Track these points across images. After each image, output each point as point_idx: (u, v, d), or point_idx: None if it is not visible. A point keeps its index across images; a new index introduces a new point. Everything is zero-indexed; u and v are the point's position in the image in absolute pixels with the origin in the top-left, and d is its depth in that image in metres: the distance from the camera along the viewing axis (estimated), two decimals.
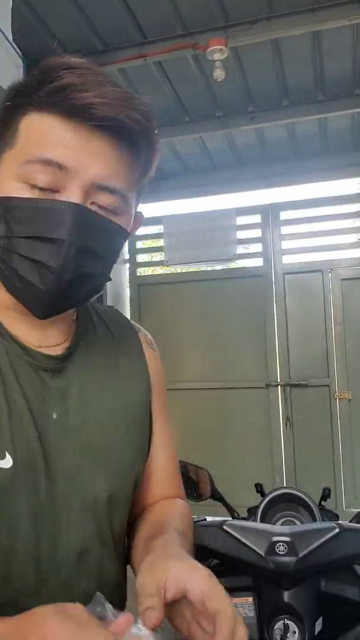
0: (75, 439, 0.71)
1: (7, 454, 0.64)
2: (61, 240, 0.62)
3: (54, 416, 0.69)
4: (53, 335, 0.74)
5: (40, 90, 0.64)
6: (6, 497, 0.64)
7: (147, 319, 4.63)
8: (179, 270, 4.66)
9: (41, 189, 0.64)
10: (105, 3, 2.73)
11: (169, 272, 4.71)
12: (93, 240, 0.65)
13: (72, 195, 0.63)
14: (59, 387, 0.71)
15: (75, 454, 0.71)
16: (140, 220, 0.78)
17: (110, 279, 0.73)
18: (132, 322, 0.91)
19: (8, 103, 0.67)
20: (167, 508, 0.84)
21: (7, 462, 0.63)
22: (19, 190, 0.64)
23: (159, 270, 4.95)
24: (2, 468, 0.63)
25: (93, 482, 0.72)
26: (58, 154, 0.63)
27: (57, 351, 0.73)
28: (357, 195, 4.47)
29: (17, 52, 2.20)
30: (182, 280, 4.61)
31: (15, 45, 2.19)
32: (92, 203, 0.66)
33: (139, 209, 0.77)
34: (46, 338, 0.73)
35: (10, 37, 2.17)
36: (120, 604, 0.78)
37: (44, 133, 0.64)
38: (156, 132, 0.68)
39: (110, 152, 0.65)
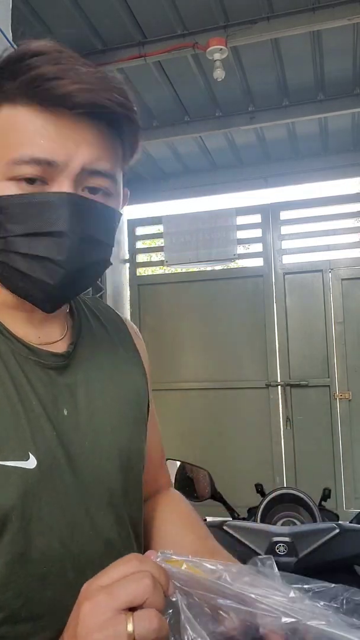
0: (88, 433, 0.72)
1: (30, 454, 0.64)
2: (61, 232, 0.62)
3: (65, 412, 0.70)
4: (53, 331, 0.74)
5: (11, 81, 0.61)
6: (36, 497, 0.64)
7: (147, 319, 4.63)
8: (179, 270, 4.65)
9: (30, 184, 0.63)
10: (105, 3, 2.73)
11: (168, 272, 4.71)
12: (92, 226, 0.65)
13: (63, 186, 0.63)
14: (66, 383, 0.72)
15: (90, 448, 0.71)
16: (127, 197, 0.77)
17: (111, 263, 0.73)
18: (116, 312, 0.91)
19: None
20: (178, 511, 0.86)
21: (32, 463, 0.63)
22: (7, 189, 0.62)
23: (159, 270, 4.95)
24: (27, 469, 0.63)
25: (108, 474, 0.73)
26: (44, 151, 0.61)
27: (62, 348, 0.73)
28: (357, 195, 4.46)
29: None
30: (182, 280, 4.61)
31: (15, 45, 2.19)
32: (83, 189, 0.65)
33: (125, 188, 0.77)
34: (47, 334, 0.73)
35: (10, 37, 2.17)
36: None
37: (25, 129, 0.62)
38: (135, 109, 0.67)
39: (95, 136, 0.64)
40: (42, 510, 0.64)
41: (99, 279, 4.31)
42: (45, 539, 0.65)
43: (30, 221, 0.62)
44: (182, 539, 0.81)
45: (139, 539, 0.80)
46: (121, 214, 0.73)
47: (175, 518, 0.87)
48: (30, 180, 0.62)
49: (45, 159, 0.61)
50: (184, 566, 0.54)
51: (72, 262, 0.63)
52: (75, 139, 0.62)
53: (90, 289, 4.12)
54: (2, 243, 0.63)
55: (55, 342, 0.73)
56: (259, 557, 0.57)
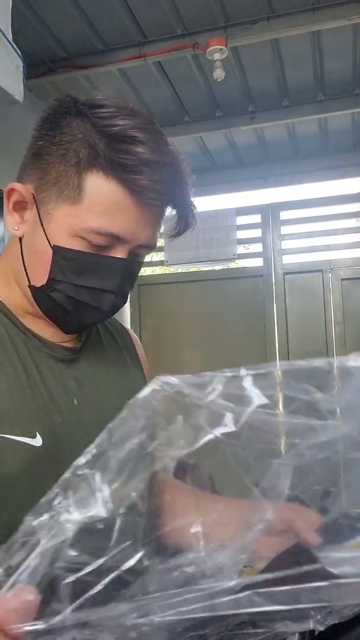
0: (93, 424, 0.76)
1: (37, 433, 0.69)
2: (111, 291, 0.74)
3: (75, 402, 0.76)
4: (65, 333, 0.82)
5: (112, 156, 0.68)
6: (40, 473, 0.68)
7: (147, 319, 4.63)
8: (179, 270, 4.65)
9: (93, 245, 0.72)
10: (105, 3, 2.73)
11: (169, 272, 4.71)
12: (130, 284, 0.78)
13: (120, 253, 0.73)
14: (75, 376, 0.78)
15: (92, 437, 0.75)
16: None
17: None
18: (118, 320, 1.00)
19: (72, 155, 0.69)
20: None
21: (38, 441, 0.69)
22: (73, 243, 0.71)
23: (159, 270, 4.95)
24: (34, 446, 0.68)
25: None
26: (119, 229, 0.71)
27: (71, 344, 0.81)
28: (357, 195, 4.46)
29: (17, 52, 2.20)
30: (182, 280, 4.61)
31: (15, 45, 2.19)
32: (130, 253, 0.76)
33: None
34: (60, 334, 0.80)
35: (10, 37, 2.17)
36: None
37: (111, 206, 0.70)
38: (194, 206, 0.80)
39: (156, 218, 0.76)
40: (45, 487, 0.67)
41: None
42: None
43: (89, 276, 0.73)
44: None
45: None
46: None
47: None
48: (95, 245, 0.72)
49: (117, 235, 0.71)
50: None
51: (109, 313, 0.77)
52: (144, 222, 0.73)
53: None
54: (59, 284, 0.72)
55: (67, 341, 0.81)
56: None
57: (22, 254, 0.74)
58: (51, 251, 0.71)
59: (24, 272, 0.74)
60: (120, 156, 0.68)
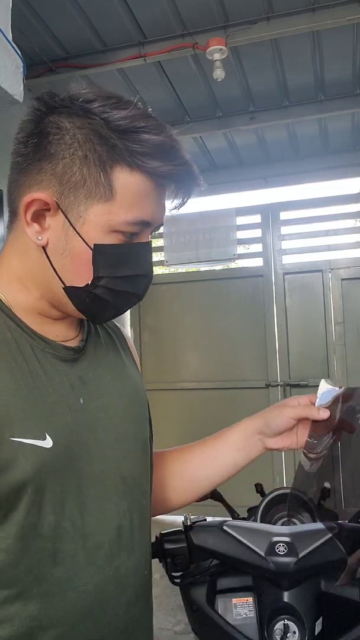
0: (101, 420, 0.78)
1: (47, 435, 0.69)
2: (145, 275, 0.78)
3: (81, 401, 0.76)
4: (69, 331, 0.82)
5: (129, 148, 0.71)
6: (50, 474, 0.69)
7: (147, 319, 4.63)
8: (179, 270, 4.66)
9: (128, 236, 0.75)
10: (105, 3, 2.73)
11: (168, 272, 4.71)
12: (150, 262, 0.81)
13: (145, 237, 0.77)
14: (78, 375, 0.78)
15: (103, 437, 0.78)
16: None
17: None
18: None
19: (97, 148, 0.71)
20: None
21: (48, 443, 0.69)
22: (112, 239, 0.74)
23: (159, 270, 4.95)
24: (44, 448, 0.69)
25: (121, 460, 0.80)
26: (151, 217, 0.75)
27: (73, 343, 0.81)
28: (357, 196, 4.46)
29: (17, 52, 2.20)
30: (182, 280, 4.61)
31: (15, 45, 2.19)
32: (151, 233, 0.79)
33: None
34: (63, 333, 0.81)
35: (10, 37, 2.17)
36: (147, 581, 0.83)
37: (140, 196, 0.73)
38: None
39: (167, 201, 0.79)
40: (55, 488, 0.70)
41: None
42: (56, 517, 0.69)
43: (127, 266, 0.75)
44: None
45: (147, 526, 0.85)
46: None
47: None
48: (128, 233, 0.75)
49: (148, 222, 0.75)
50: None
51: (143, 295, 0.80)
52: (162, 203, 0.77)
53: None
54: (101, 280, 0.75)
55: (70, 340, 0.81)
56: None
57: (49, 260, 0.75)
58: (91, 252, 0.73)
59: (54, 277, 0.75)
60: (136, 147, 0.70)
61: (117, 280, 0.75)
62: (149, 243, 0.78)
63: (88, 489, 0.74)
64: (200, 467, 0.97)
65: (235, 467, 0.96)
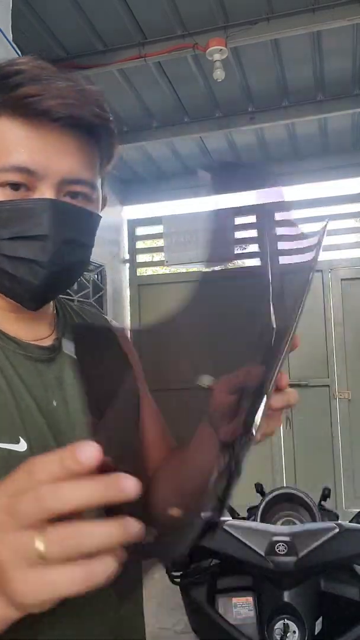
0: (79, 422, 0.75)
1: (21, 438, 0.67)
2: (44, 235, 0.67)
3: (54, 404, 0.73)
4: (41, 329, 0.78)
5: None
6: None
7: (147, 319, 4.63)
8: (179, 270, 4.65)
9: (15, 190, 0.67)
10: (105, 3, 2.73)
11: (168, 272, 4.71)
12: (73, 229, 0.70)
13: (45, 192, 0.67)
14: (54, 376, 0.75)
15: (82, 437, 0.73)
16: (106, 201, 0.82)
17: (90, 264, 0.77)
18: (106, 316, 0.97)
19: None
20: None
21: (22, 446, 0.67)
22: None
23: (159, 271, 4.95)
24: (18, 451, 0.66)
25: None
26: (27, 160, 0.66)
27: (47, 342, 0.77)
28: (357, 196, 4.46)
29: (17, 52, 2.20)
30: (182, 280, 4.61)
31: (15, 45, 2.19)
32: (65, 195, 0.69)
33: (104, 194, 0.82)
34: (35, 332, 0.77)
35: (10, 37, 2.17)
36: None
37: (11, 140, 0.66)
38: (112, 119, 0.71)
39: (74, 147, 0.68)
40: None
41: (102, 280, 4.31)
42: None
43: (16, 226, 0.67)
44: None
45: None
46: (100, 217, 0.77)
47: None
48: (15, 187, 0.67)
49: (26, 167, 0.66)
50: None
51: (54, 263, 0.68)
52: (56, 150, 0.67)
53: (90, 289, 4.12)
54: None
55: (43, 339, 0.77)
56: None
57: None
58: None
59: None
60: (5, 95, 0.64)
61: (11, 244, 0.67)
62: (51, 201, 0.67)
63: None
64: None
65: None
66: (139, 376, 0.91)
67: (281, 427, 4.29)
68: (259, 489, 1.49)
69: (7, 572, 0.41)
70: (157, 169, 4.68)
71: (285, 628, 1.00)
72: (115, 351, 0.89)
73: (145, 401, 0.90)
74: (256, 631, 1.04)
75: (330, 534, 1.01)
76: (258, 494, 1.46)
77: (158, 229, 4.70)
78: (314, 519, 1.23)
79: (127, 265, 4.74)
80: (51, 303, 0.81)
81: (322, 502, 1.42)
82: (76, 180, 0.69)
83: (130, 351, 0.91)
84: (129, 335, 0.97)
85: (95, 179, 0.73)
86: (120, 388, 0.82)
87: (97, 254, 4.16)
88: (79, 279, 0.79)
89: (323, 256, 4.34)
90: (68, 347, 0.79)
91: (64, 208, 0.68)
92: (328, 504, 1.46)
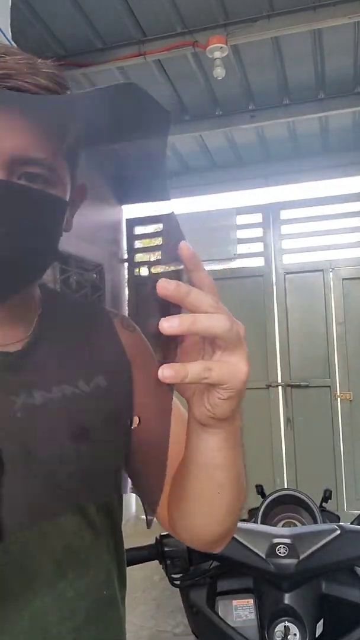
0: (45, 433, 0.69)
1: None
2: None
3: (19, 415, 0.67)
4: (8, 334, 0.71)
5: None
6: None
7: None
8: None
9: None
10: (104, 1, 2.72)
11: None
12: (24, 213, 0.62)
13: None
14: (24, 383, 0.69)
15: (49, 448, 0.69)
16: (84, 191, 0.74)
17: (58, 253, 0.70)
18: (110, 309, 0.88)
19: None
20: None
21: None
22: None
23: (160, 270, 4.94)
24: None
25: (65, 473, 0.70)
26: None
27: (13, 347, 0.70)
28: (358, 195, 4.45)
29: None
30: None
31: (15, 45, 2.18)
32: (19, 177, 0.62)
33: (84, 182, 0.73)
34: (5, 336, 0.70)
35: (9, 36, 2.16)
36: (108, 602, 0.76)
37: None
38: (68, 92, 0.64)
39: (23, 123, 0.61)
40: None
41: (99, 278, 4.29)
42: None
43: None
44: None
45: (104, 544, 0.75)
46: (66, 202, 0.69)
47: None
48: None
49: None
50: None
51: (10, 250, 0.60)
52: (3, 127, 0.60)
53: (89, 288, 4.10)
54: None
55: (12, 344, 0.71)
56: None
57: None
58: None
59: None
60: None
61: None
62: (2, 181, 0.60)
63: (31, 505, 0.66)
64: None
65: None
66: (138, 363, 0.81)
67: (282, 428, 4.29)
68: (260, 490, 1.48)
69: None
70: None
71: (286, 630, 0.99)
72: (106, 345, 0.81)
73: (146, 394, 0.81)
74: (257, 634, 1.03)
75: (332, 536, 1.00)
76: (259, 496, 1.45)
77: (157, 228, 4.69)
78: (315, 521, 1.22)
79: (126, 264, 4.73)
80: (32, 302, 0.75)
81: (324, 504, 1.41)
82: (29, 160, 0.62)
83: (132, 337, 0.84)
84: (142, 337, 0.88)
85: (54, 160, 0.65)
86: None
87: (96, 254, 4.15)
88: (45, 269, 0.71)
89: (324, 255, 4.33)
90: (43, 349, 0.72)
91: (20, 190, 0.61)
92: (329, 506, 1.45)
